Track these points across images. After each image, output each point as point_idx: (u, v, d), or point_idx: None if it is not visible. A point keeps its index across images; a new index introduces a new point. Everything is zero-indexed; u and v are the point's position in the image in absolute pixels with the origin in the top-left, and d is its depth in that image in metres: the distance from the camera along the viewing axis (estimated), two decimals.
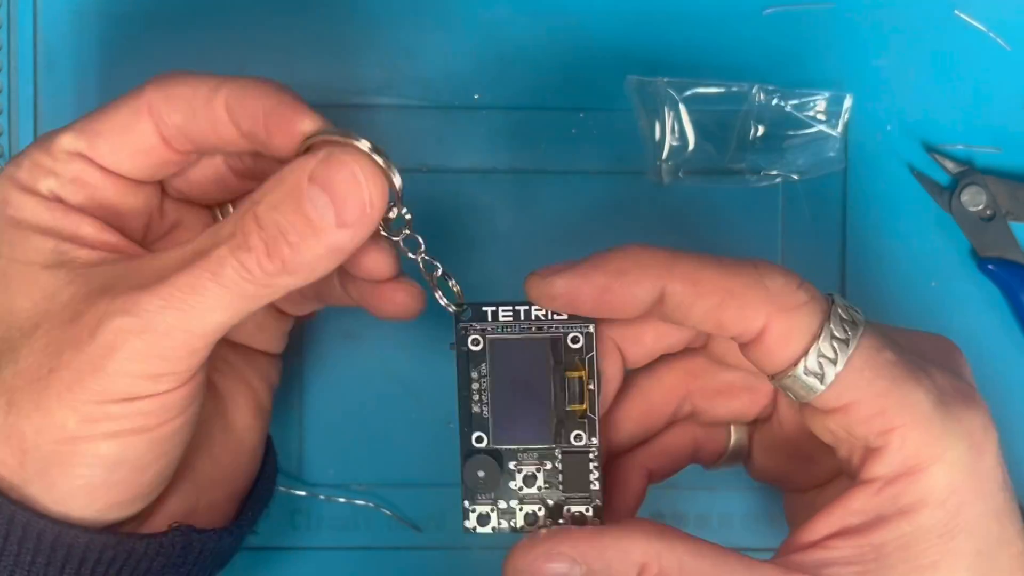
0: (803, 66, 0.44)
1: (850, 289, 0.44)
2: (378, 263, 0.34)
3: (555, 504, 0.34)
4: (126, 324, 0.30)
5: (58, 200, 0.34)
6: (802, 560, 0.32)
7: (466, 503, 0.35)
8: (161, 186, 0.36)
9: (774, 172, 0.43)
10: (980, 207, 0.43)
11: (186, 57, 0.44)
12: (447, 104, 0.44)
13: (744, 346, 0.32)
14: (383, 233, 0.33)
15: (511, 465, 0.34)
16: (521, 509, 0.34)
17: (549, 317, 0.34)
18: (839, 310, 0.31)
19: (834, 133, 0.43)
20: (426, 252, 0.34)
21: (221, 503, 0.37)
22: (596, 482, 0.34)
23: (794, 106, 0.43)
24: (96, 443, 0.31)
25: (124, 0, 0.44)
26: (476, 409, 0.34)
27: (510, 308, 0.34)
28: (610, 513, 0.36)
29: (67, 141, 0.34)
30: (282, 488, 0.44)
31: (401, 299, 0.35)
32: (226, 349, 0.38)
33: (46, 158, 0.34)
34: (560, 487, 0.34)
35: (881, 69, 0.44)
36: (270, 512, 0.41)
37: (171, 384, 0.32)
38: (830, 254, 0.44)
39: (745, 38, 0.44)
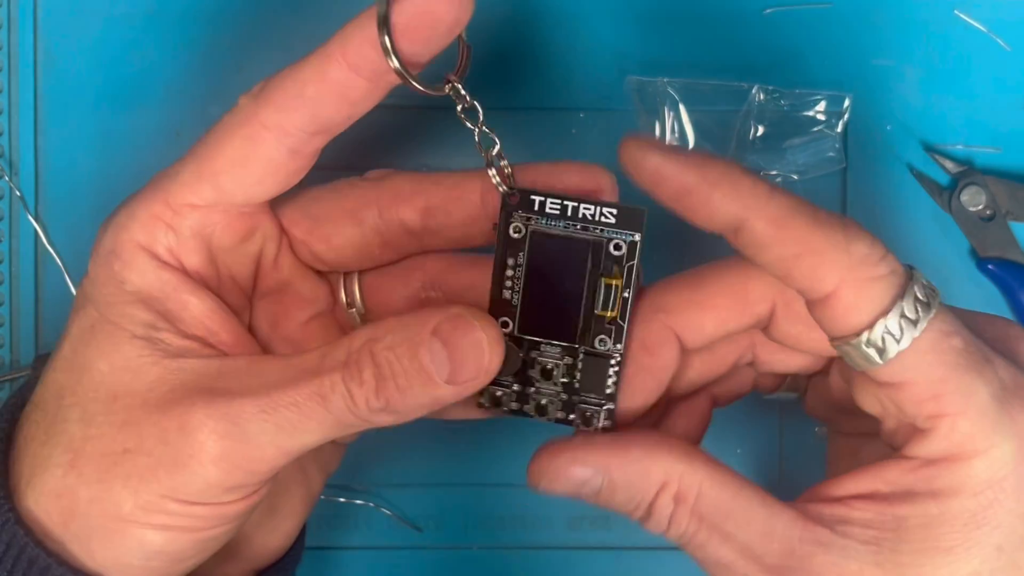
0: (803, 66, 0.44)
1: None
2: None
3: (568, 399, 0.34)
4: (222, 429, 0.30)
5: (177, 264, 0.33)
6: (822, 512, 0.32)
7: None
8: (284, 235, 0.35)
9: (774, 172, 0.43)
10: (980, 207, 0.43)
11: (186, 57, 0.44)
12: (447, 104, 0.44)
13: (809, 302, 0.31)
14: (451, 92, 0.32)
15: (533, 354, 0.34)
16: (535, 399, 0.34)
17: (596, 218, 0.32)
18: (916, 289, 0.30)
19: (834, 133, 0.43)
20: (485, 124, 0.33)
21: (238, 568, 0.37)
22: (612, 386, 0.33)
23: (794, 106, 0.43)
24: (144, 531, 0.31)
25: (124, 0, 0.44)
26: (507, 295, 0.33)
27: (558, 201, 0.33)
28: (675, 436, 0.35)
29: (187, 192, 0.32)
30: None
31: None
32: None
33: (166, 210, 0.32)
34: (576, 384, 0.33)
35: (881, 69, 0.44)
36: None
37: (238, 496, 0.32)
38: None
39: (745, 38, 0.44)
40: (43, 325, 0.44)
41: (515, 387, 0.34)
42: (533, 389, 0.34)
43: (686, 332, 0.34)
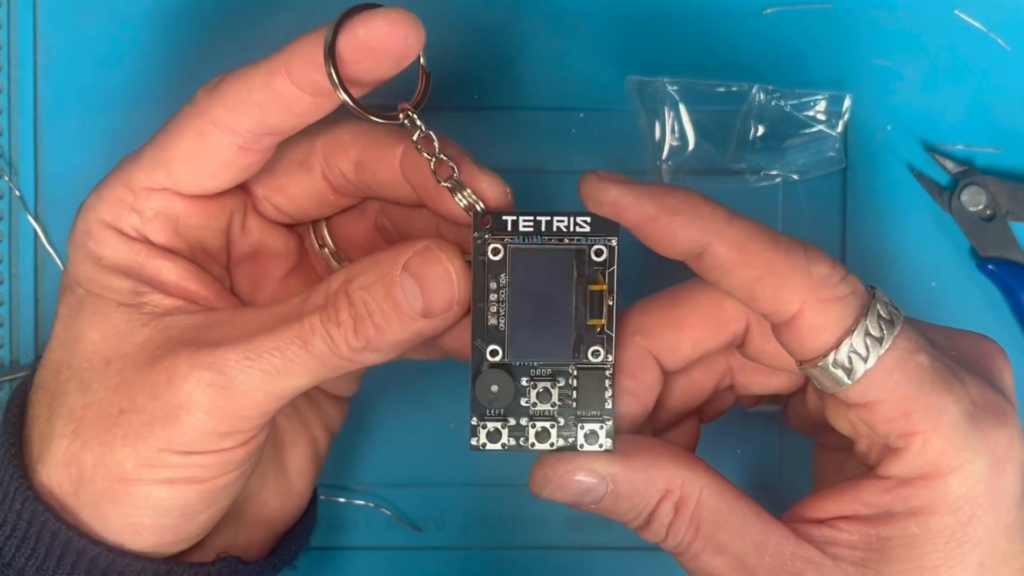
0: (803, 66, 0.44)
1: None
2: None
3: (567, 422, 0.33)
4: (208, 378, 0.31)
5: (144, 240, 0.34)
6: (810, 532, 0.32)
7: (474, 420, 0.33)
8: (248, 200, 0.36)
9: (774, 172, 0.43)
10: (980, 207, 0.43)
11: (186, 57, 0.44)
12: (447, 104, 0.44)
13: (775, 327, 0.31)
14: (406, 121, 0.32)
15: (524, 381, 0.33)
16: (533, 426, 0.33)
17: (571, 229, 0.32)
18: (879, 307, 0.31)
19: (834, 133, 0.43)
20: (441, 153, 0.33)
21: (259, 541, 0.37)
22: (610, 400, 0.33)
23: (794, 106, 0.43)
24: (149, 487, 0.32)
25: (124, 0, 0.44)
26: (492, 321, 0.33)
27: (531, 218, 0.32)
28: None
29: (144, 176, 0.33)
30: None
31: None
32: None
33: (127, 193, 0.34)
34: (574, 404, 0.33)
35: (881, 69, 0.44)
36: None
37: (235, 442, 0.32)
38: (830, 254, 0.44)
39: (745, 38, 0.44)
40: (43, 325, 0.44)
41: (511, 421, 0.33)
42: (527, 420, 0.33)
43: (663, 354, 0.34)
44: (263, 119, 0.32)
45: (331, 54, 0.30)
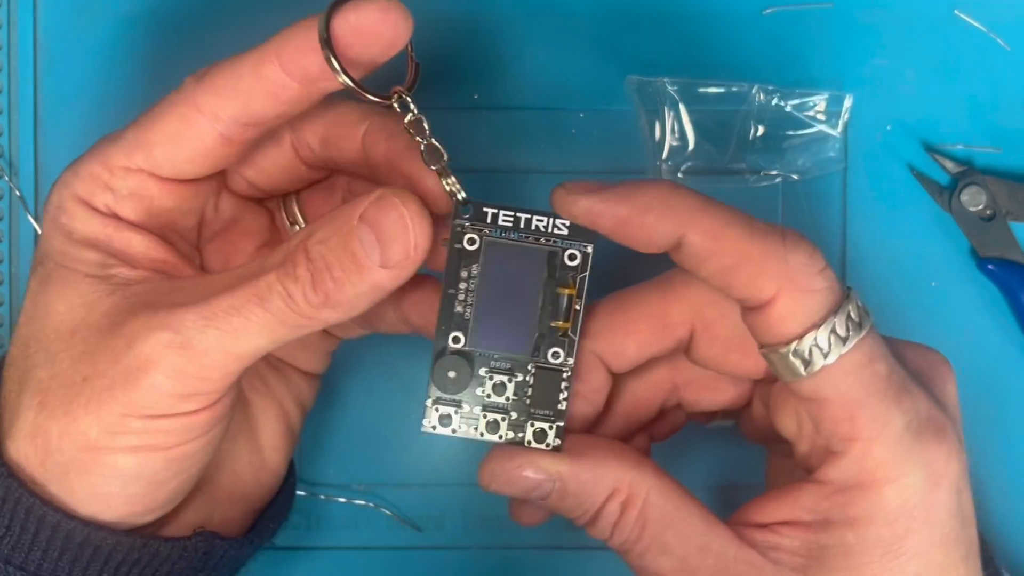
0: (803, 66, 0.44)
1: None
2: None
3: (519, 417, 0.34)
4: (165, 338, 0.31)
5: (114, 216, 0.34)
6: (754, 536, 0.32)
7: (428, 402, 0.34)
8: (222, 181, 0.36)
9: (774, 172, 0.43)
10: (980, 207, 0.43)
11: (186, 56, 0.44)
12: (447, 104, 0.44)
13: (745, 309, 0.32)
14: (396, 104, 0.32)
15: (482, 371, 0.33)
16: (484, 417, 0.34)
17: (549, 230, 0.33)
18: (850, 308, 0.31)
19: (834, 133, 0.43)
20: (433, 136, 0.33)
21: (236, 517, 0.37)
22: (564, 402, 0.33)
23: (794, 106, 0.43)
24: (115, 455, 0.31)
25: (124, 0, 0.44)
26: (459, 309, 0.33)
27: (511, 213, 0.33)
28: None
29: (122, 156, 0.33)
30: (295, 495, 0.44)
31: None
32: (264, 366, 0.38)
33: (103, 171, 0.34)
34: (527, 400, 0.33)
35: (881, 69, 0.44)
36: None
37: (198, 405, 0.32)
38: (830, 254, 0.44)
39: (745, 38, 0.44)
40: None
41: (464, 408, 0.34)
42: (480, 409, 0.34)
43: (609, 357, 0.35)
44: (248, 106, 0.32)
45: (327, 43, 0.30)
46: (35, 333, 0.33)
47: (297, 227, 0.38)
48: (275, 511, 0.38)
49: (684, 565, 0.32)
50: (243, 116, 0.32)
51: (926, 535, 0.31)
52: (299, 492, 0.44)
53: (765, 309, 0.31)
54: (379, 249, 0.31)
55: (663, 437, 0.38)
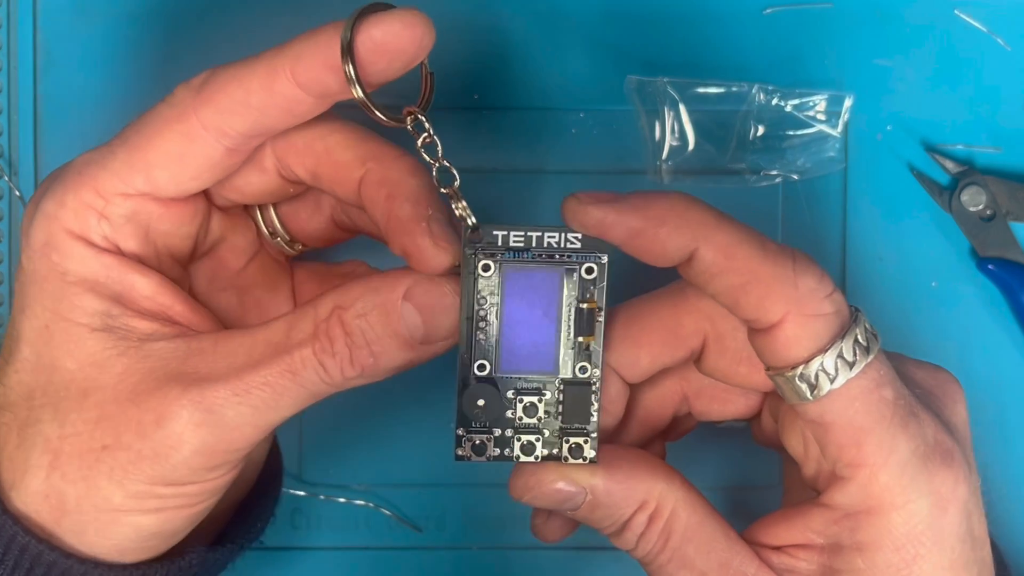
0: (803, 66, 0.44)
1: (850, 289, 0.44)
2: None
3: (551, 435, 0.33)
4: (197, 418, 0.31)
5: (114, 249, 0.32)
6: (769, 557, 0.32)
7: (460, 431, 0.33)
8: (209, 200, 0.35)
9: (774, 172, 0.43)
10: (980, 207, 0.43)
11: (186, 56, 0.44)
12: (447, 104, 0.44)
13: (751, 331, 0.31)
14: (410, 126, 0.32)
15: (510, 394, 0.33)
16: (518, 439, 0.33)
17: (561, 245, 0.32)
18: (858, 332, 0.30)
19: (834, 133, 0.43)
20: (444, 159, 0.32)
21: (219, 513, 0.37)
22: (595, 414, 0.33)
23: (794, 106, 0.43)
24: (137, 516, 0.32)
25: (124, 0, 0.44)
26: (481, 337, 0.32)
27: (522, 234, 0.32)
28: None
29: (117, 181, 0.32)
30: (282, 488, 0.44)
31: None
32: None
33: (96, 199, 0.32)
34: (559, 418, 0.33)
35: (881, 69, 0.44)
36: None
37: (224, 472, 0.32)
38: (830, 254, 0.44)
39: (745, 38, 0.44)
40: None
41: (496, 432, 0.33)
42: (512, 431, 0.33)
43: (623, 368, 0.35)
44: (260, 122, 0.31)
45: (349, 50, 0.29)
46: (42, 385, 0.32)
47: (279, 239, 0.37)
48: (261, 510, 0.38)
49: None
50: (253, 130, 0.31)
51: (935, 560, 0.31)
52: (299, 492, 0.44)
53: (772, 332, 0.30)
54: (424, 329, 0.31)
55: (675, 439, 0.38)
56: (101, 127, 0.44)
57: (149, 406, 0.31)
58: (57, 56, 0.44)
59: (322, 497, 0.44)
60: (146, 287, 0.32)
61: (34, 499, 0.32)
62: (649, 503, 0.32)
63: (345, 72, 0.30)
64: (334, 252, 0.41)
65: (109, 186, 0.32)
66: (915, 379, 0.33)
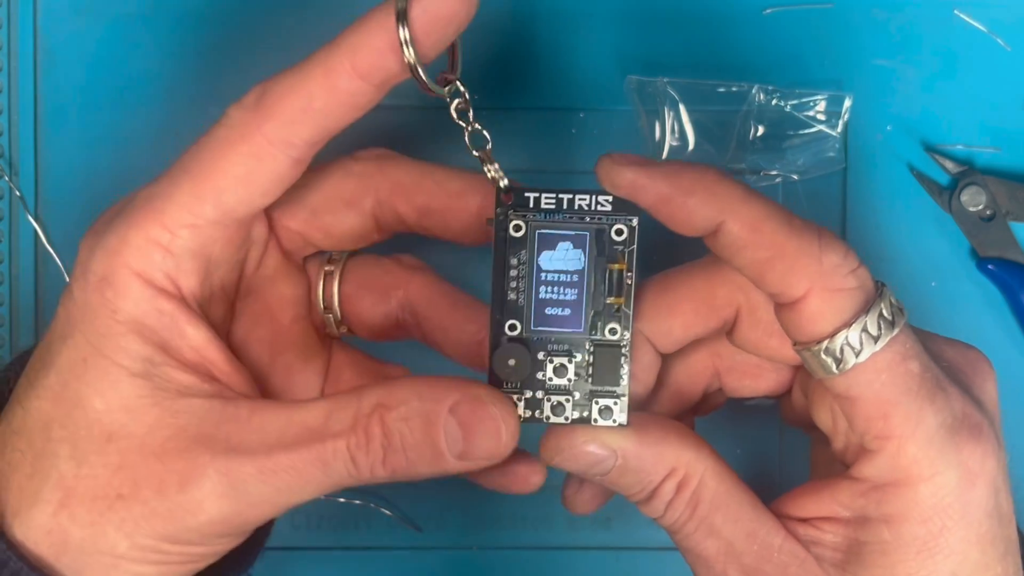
0: (803, 66, 0.44)
1: None
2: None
3: (582, 397, 0.33)
4: (220, 489, 0.30)
5: (174, 289, 0.32)
6: (795, 529, 0.33)
7: None
8: (273, 238, 0.35)
9: (774, 172, 0.43)
10: (980, 207, 0.43)
11: (186, 57, 0.44)
12: (447, 104, 0.44)
13: (778, 306, 0.32)
14: (446, 96, 0.32)
15: (541, 355, 0.33)
16: (548, 400, 0.33)
17: (592, 208, 0.33)
18: (883, 306, 0.31)
19: (834, 133, 0.43)
20: (477, 121, 0.33)
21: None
22: (625, 376, 0.33)
23: (794, 106, 0.43)
24: (138, 566, 0.31)
25: (124, 0, 0.44)
26: (512, 296, 0.33)
27: (553, 196, 0.33)
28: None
29: (184, 212, 0.31)
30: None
31: (529, 477, 0.35)
32: None
33: (163, 233, 0.31)
34: (589, 380, 0.33)
35: (881, 69, 0.44)
36: None
37: (233, 540, 0.32)
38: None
39: (745, 38, 0.44)
40: (43, 325, 0.44)
41: (527, 394, 0.33)
42: (543, 393, 0.33)
43: (656, 337, 0.35)
44: (324, 124, 0.31)
45: (404, 16, 0.29)
46: (61, 418, 0.31)
47: (331, 316, 0.37)
48: (251, 545, 0.37)
49: (730, 549, 0.32)
50: (318, 135, 0.31)
51: (962, 533, 0.31)
52: None
53: (797, 307, 0.31)
54: (462, 447, 0.31)
55: (704, 414, 0.38)
56: (101, 127, 0.44)
57: (175, 466, 0.31)
58: (57, 56, 0.44)
59: (322, 497, 0.44)
60: (195, 338, 0.32)
61: (36, 532, 0.31)
62: (678, 470, 0.33)
63: (400, 36, 0.29)
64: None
65: (177, 219, 0.31)
66: (944, 356, 0.33)
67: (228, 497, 0.30)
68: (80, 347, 0.31)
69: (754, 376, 0.36)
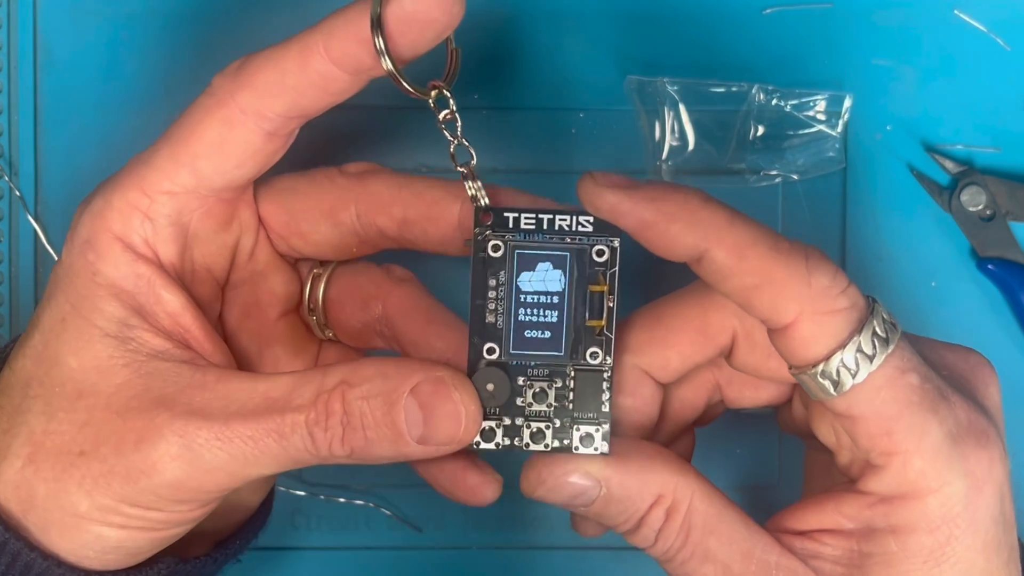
0: (803, 66, 0.44)
1: None
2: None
3: (563, 424, 0.33)
4: (174, 451, 0.30)
5: (152, 256, 0.32)
6: (792, 543, 0.32)
7: None
8: (263, 231, 0.36)
9: (774, 172, 0.43)
10: (980, 207, 0.43)
11: (186, 57, 0.44)
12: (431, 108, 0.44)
13: (770, 331, 0.31)
14: (431, 103, 0.32)
15: (520, 380, 0.32)
16: (528, 427, 0.33)
17: (573, 228, 0.32)
18: (875, 323, 0.30)
19: (834, 133, 0.43)
20: (463, 137, 0.33)
21: (202, 544, 0.37)
22: (607, 403, 0.33)
23: (794, 106, 0.43)
24: (101, 527, 0.31)
25: (124, 0, 0.44)
26: (490, 319, 0.32)
27: (533, 216, 0.32)
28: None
29: (163, 178, 0.32)
30: (282, 488, 0.44)
31: (479, 488, 0.35)
32: None
33: (141, 198, 0.32)
34: (571, 406, 0.33)
35: (881, 69, 0.44)
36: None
37: (189, 508, 0.32)
38: (830, 254, 0.43)
39: (745, 38, 0.44)
40: None
41: (506, 420, 0.33)
42: (522, 420, 0.33)
43: (654, 369, 0.34)
44: (296, 101, 0.31)
45: (378, 23, 0.30)
46: (40, 376, 0.32)
47: (315, 318, 0.37)
48: (245, 534, 0.38)
49: (727, 572, 0.32)
50: (291, 111, 0.31)
51: (968, 541, 0.31)
52: (299, 492, 0.44)
53: (788, 332, 0.30)
54: (422, 429, 0.31)
55: (705, 424, 0.38)
56: (101, 127, 0.44)
57: (133, 424, 0.31)
58: (57, 56, 0.44)
59: (322, 497, 0.44)
60: (171, 303, 0.32)
61: (5, 487, 0.31)
62: (665, 497, 0.32)
63: (374, 44, 0.30)
64: None
65: (155, 184, 0.32)
66: (945, 362, 0.33)
67: (183, 459, 0.30)
68: (61, 307, 0.32)
69: (755, 387, 0.36)
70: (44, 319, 0.32)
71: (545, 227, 0.32)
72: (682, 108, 0.43)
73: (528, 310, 0.32)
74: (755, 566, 0.32)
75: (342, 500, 0.44)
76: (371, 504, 0.45)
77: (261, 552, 0.44)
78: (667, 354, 0.34)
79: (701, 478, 0.33)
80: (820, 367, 0.30)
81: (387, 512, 0.45)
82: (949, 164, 0.44)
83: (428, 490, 0.45)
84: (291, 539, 0.45)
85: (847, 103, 0.43)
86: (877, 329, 0.30)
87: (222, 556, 0.36)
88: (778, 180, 0.43)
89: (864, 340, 0.30)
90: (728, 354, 0.35)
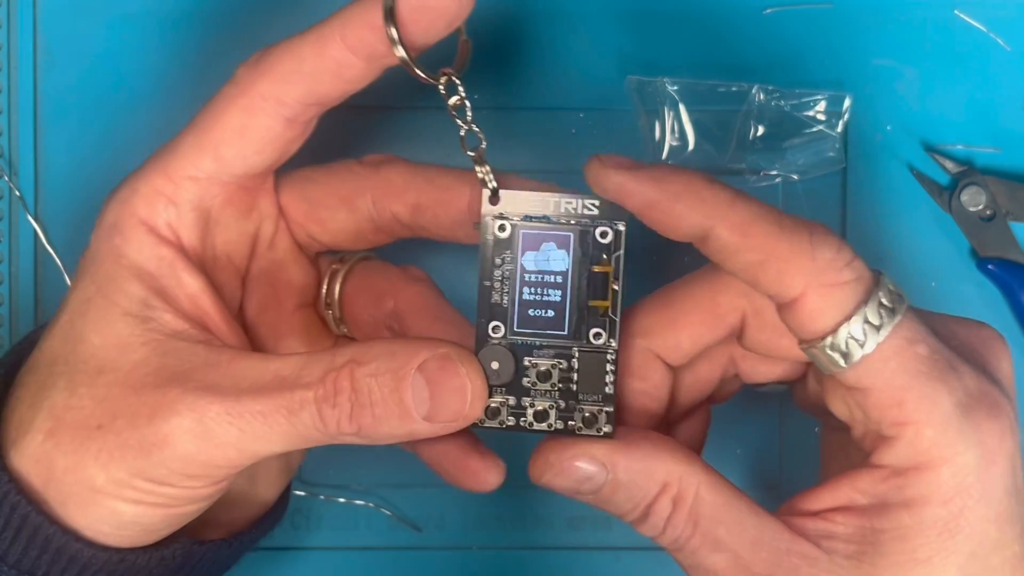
0: (803, 66, 0.44)
1: None
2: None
3: (567, 404, 0.33)
4: (186, 425, 0.31)
5: (175, 240, 0.33)
6: (805, 526, 0.32)
7: None
8: (283, 221, 0.36)
9: (774, 172, 0.43)
10: (980, 207, 0.43)
11: (186, 57, 0.44)
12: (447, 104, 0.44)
13: (779, 307, 0.32)
14: (440, 88, 0.32)
15: (526, 360, 0.33)
16: (532, 406, 0.33)
17: (578, 211, 0.33)
18: (882, 294, 0.31)
19: (834, 133, 0.43)
20: (473, 122, 0.33)
21: (218, 533, 0.37)
22: (611, 385, 0.33)
23: (794, 106, 0.43)
24: (116, 502, 0.32)
25: (124, 0, 0.44)
26: (496, 298, 0.33)
27: (540, 198, 0.33)
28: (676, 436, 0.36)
29: (187, 164, 0.33)
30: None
31: (481, 474, 0.35)
32: None
33: (167, 184, 0.33)
34: (575, 386, 0.33)
35: (881, 69, 0.44)
36: None
37: (202, 484, 0.32)
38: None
39: (745, 38, 0.44)
40: None
41: (510, 400, 0.33)
42: (528, 400, 0.33)
43: (665, 352, 0.35)
44: (313, 88, 0.32)
45: (391, 14, 0.31)
46: (65, 354, 0.33)
47: (330, 312, 0.37)
48: (259, 526, 0.38)
49: (738, 560, 0.32)
50: (308, 97, 0.32)
51: (981, 512, 0.31)
52: (299, 492, 0.44)
53: (795, 306, 0.31)
54: (429, 406, 0.31)
55: (721, 400, 0.38)
56: (101, 127, 0.44)
57: (147, 399, 0.31)
58: (57, 56, 0.44)
59: (322, 497, 0.44)
60: (191, 286, 0.33)
61: (27, 460, 0.32)
62: (671, 485, 0.32)
63: (387, 33, 0.31)
64: None
65: (179, 169, 0.33)
66: (957, 336, 0.33)
67: (194, 433, 0.31)
68: (86, 289, 0.33)
69: (769, 362, 0.36)
70: (71, 301, 0.34)
71: (551, 209, 0.33)
72: (682, 108, 0.43)
73: (532, 289, 0.33)
74: (766, 552, 0.32)
75: (342, 500, 0.44)
76: (371, 504, 0.45)
77: (261, 552, 0.44)
78: (678, 336, 0.34)
79: (708, 468, 0.33)
80: (829, 339, 0.30)
81: (387, 512, 0.45)
82: (949, 164, 0.44)
83: (428, 490, 0.45)
84: (291, 539, 0.45)
85: (847, 103, 0.43)
86: (883, 300, 0.31)
87: (237, 542, 0.37)
88: (778, 180, 0.43)
89: (870, 311, 0.30)
90: (739, 335, 0.35)
